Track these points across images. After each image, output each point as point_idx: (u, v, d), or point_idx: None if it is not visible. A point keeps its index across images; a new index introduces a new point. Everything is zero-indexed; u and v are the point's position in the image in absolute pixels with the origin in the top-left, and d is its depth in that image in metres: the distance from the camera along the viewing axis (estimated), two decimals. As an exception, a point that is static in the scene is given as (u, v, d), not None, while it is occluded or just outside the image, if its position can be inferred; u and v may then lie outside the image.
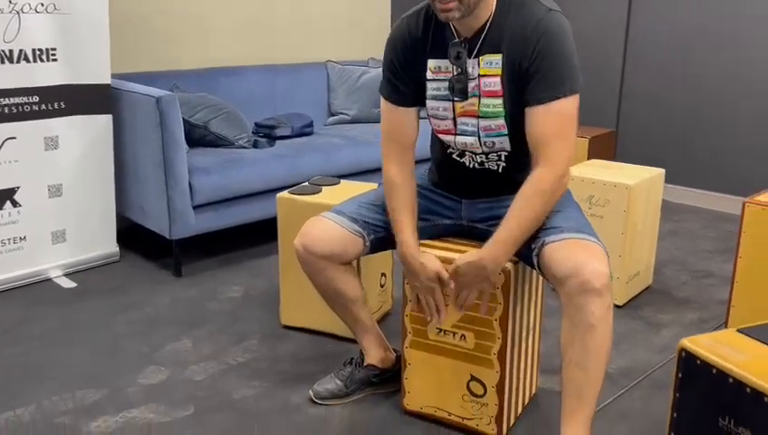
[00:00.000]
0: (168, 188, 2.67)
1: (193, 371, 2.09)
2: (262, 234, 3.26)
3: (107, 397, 1.94)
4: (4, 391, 1.96)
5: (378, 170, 3.39)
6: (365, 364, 1.93)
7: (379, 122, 1.76)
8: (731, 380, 1.16)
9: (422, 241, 1.77)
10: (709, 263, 2.99)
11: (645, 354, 2.18)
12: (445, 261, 1.67)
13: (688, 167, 3.87)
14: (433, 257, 1.64)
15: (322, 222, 1.75)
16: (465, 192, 1.74)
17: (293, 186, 2.99)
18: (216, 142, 3.11)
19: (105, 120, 2.79)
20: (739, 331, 1.29)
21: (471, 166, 1.69)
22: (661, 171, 2.61)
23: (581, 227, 1.54)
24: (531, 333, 1.84)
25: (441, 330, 1.75)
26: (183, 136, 2.68)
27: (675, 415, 1.28)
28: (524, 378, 1.85)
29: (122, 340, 2.27)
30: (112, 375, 2.05)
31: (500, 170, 1.66)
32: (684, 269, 2.91)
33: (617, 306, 2.50)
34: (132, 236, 3.14)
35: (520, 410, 1.86)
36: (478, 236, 1.73)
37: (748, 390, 1.13)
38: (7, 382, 2.00)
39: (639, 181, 2.45)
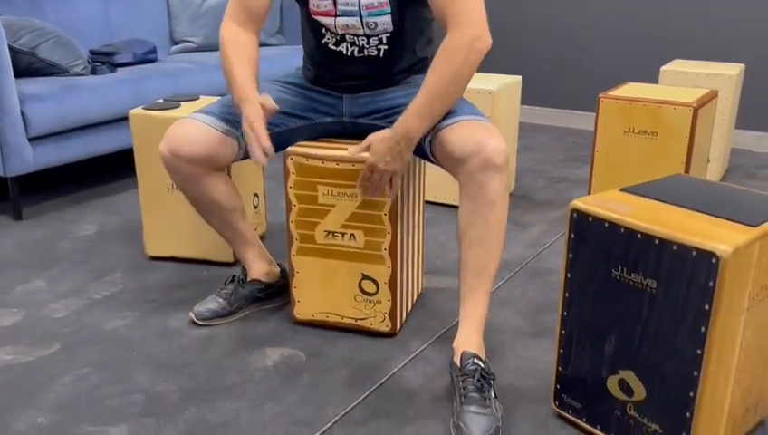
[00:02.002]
0: (-4, 119, 2.35)
1: (52, 309, 1.87)
2: (110, 169, 3.00)
3: (-50, 346, 1.69)
4: None
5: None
6: (249, 280, 1.83)
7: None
8: (622, 229, 1.22)
9: (301, 142, 1.68)
10: (562, 170, 3.16)
11: (517, 250, 2.27)
12: (329, 159, 1.60)
13: (534, 85, 4.05)
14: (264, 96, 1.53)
15: (190, 123, 1.61)
16: (345, 86, 1.66)
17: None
18: (47, 70, 2.77)
19: None
20: (622, 190, 1.35)
21: (350, 54, 1.61)
22: (518, 78, 2.69)
23: (474, 111, 1.53)
24: (416, 229, 1.84)
25: (329, 232, 1.69)
26: (9, 59, 2.35)
27: (569, 275, 1.32)
28: (413, 275, 1.85)
29: (-41, 287, 1.99)
30: (-47, 323, 1.79)
31: (381, 55, 1.60)
32: (540, 176, 3.06)
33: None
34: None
35: (410, 307, 1.86)
36: (362, 132, 1.66)
37: (639, 235, 1.19)
38: None
39: (501, 87, 2.51)
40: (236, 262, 2.14)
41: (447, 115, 1.51)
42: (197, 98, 2.21)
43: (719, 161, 2.93)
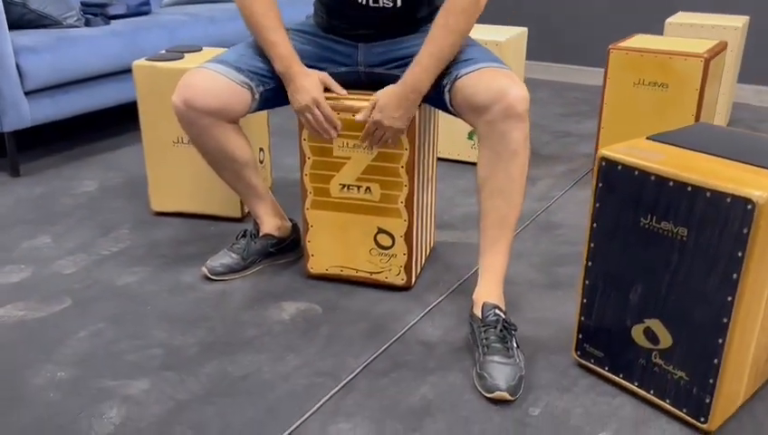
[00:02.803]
0: (-10, 72, 2.28)
1: (60, 265, 1.84)
2: (108, 125, 2.94)
3: (-41, 302, 1.66)
4: None
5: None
6: (261, 235, 1.81)
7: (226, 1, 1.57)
8: (653, 177, 1.20)
9: (315, 92, 1.64)
10: (564, 124, 3.14)
11: (526, 203, 2.23)
12: (346, 110, 1.57)
13: (531, 39, 3.99)
14: (315, 71, 1.57)
15: (204, 73, 1.56)
16: (359, 35, 1.62)
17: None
18: (39, 22, 2.68)
19: None
20: (649, 138, 1.34)
21: (364, 2, 1.56)
22: (525, 30, 2.65)
23: (493, 58, 1.50)
24: (430, 182, 1.82)
25: (344, 185, 1.66)
26: (1, 8, 2.27)
27: (595, 225, 1.31)
28: (426, 229, 1.84)
29: (-37, 244, 1.95)
30: (-40, 280, 1.76)
31: (398, 3, 1.55)
32: (544, 131, 3.04)
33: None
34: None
35: (424, 261, 1.85)
36: (377, 81, 1.63)
37: (671, 183, 1.18)
38: None
39: (508, 38, 2.46)
40: (243, 217, 2.11)
41: (467, 63, 1.48)
42: (200, 49, 2.16)
43: (722, 115, 2.92)
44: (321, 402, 1.33)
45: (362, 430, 1.26)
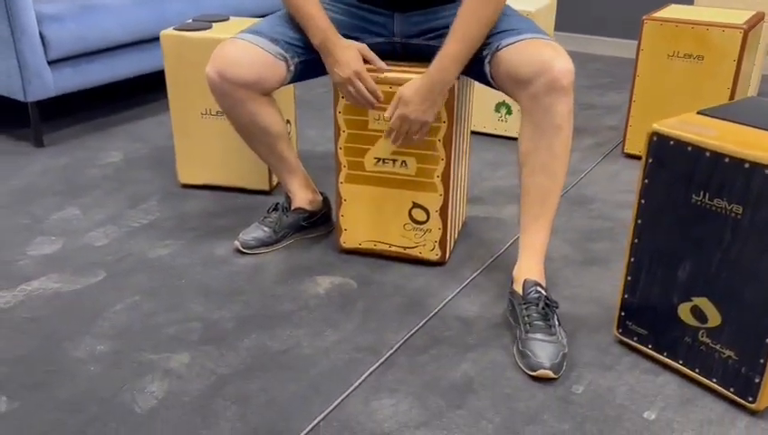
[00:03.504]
0: (15, 41, 2.24)
1: (91, 237, 1.84)
2: (128, 95, 2.91)
3: (-7, 274, 1.66)
4: None
5: (262, 17, 3.07)
6: (293, 208, 1.79)
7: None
8: (708, 153, 1.17)
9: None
10: (588, 96, 3.09)
11: (556, 177, 2.23)
12: (381, 82, 1.54)
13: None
14: (354, 42, 1.54)
15: (238, 44, 1.53)
16: (396, 3, 1.58)
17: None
18: (60, -10, 2.64)
19: None
20: (699, 113, 1.31)
21: (402, -33, 1.52)
22: (554, 0, 2.59)
23: (536, 28, 1.46)
24: (464, 156, 1.79)
25: (379, 159, 1.64)
26: (24, -25, 2.23)
27: (643, 201, 1.29)
28: (460, 203, 1.82)
29: (-8, 215, 1.95)
30: (-7, 251, 1.76)
31: (436, -30, 1.51)
32: (568, 103, 2.99)
33: (516, 139, 2.52)
34: (-31, 107, 2.67)
35: (456, 235, 1.83)
36: (414, 53, 1.60)
37: (726, 159, 1.15)
38: None
39: (539, 8, 2.41)
40: (271, 190, 2.10)
41: (508, 33, 1.44)
42: (227, 18, 2.12)
43: (752, 87, 2.86)
44: (362, 378, 1.32)
45: (405, 406, 1.26)
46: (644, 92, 2.29)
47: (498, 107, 2.52)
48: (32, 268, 1.68)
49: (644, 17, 2.23)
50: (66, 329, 1.46)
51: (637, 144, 2.34)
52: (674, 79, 2.22)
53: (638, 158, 2.44)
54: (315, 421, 1.22)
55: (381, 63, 1.54)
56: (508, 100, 2.46)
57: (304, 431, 1.20)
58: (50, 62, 2.34)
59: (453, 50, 1.41)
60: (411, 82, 1.47)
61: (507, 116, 2.52)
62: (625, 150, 2.40)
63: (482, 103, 2.49)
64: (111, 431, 1.19)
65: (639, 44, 2.25)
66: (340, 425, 1.21)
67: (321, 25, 1.49)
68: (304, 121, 2.64)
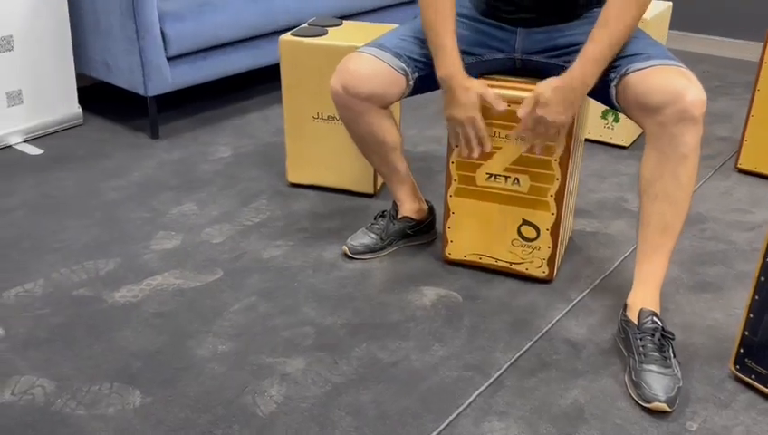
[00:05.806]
0: (138, 39, 2.36)
1: (208, 234, 1.93)
2: (236, 90, 3.01)
3: (121, 266, 1.77)
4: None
5: (367, 13, 3.12)
6: (400, 216, 1.83)
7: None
8: None
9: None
10: (698, 103, 2.97)
11: (664, 192, 2.17)
12: (509, 100, 1.53)
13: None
14: (480, 81, 1.51)
15: (364, 58, 1.56)
16: (520, 19, 1.56)
17: (269, 34, 2.73)
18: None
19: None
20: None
21: (529, -18, 1.50)
22: (670, 5, 2.50)
23: (667, 54, 1.43)
24: (577, 169, 1.78)
25: (492, 175, 1.65)
26: (149, -24, 2.34)
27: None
28: (569, 218, 1.80)
29: (117, 207, 2.07)
30: (119, 243, 1.87)
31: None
32: (676, 110, 2.88)
33: (622, 147, 2.46)
34: (93, 96, 2.83)
35: (563, 251, 1.82)
36: (534, 70, 1.59)
37: None
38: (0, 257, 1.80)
39: (654, 16, 2.34)
40: (376, 193, 2.14)
41: (638, 57, 1.41)
42: (341, 23, 2.16)
43: None
44: (472, 398, 1.35)
45: (515, 430, 1.28)
46: (765, 106, 2.19)
47: (605, 114, 2.46)
48: (155, 263, 1.79)
49: (770, 29, 2.12)
50: (189, 326, 1.55)
51: (753, 160, 2.25)
52: (799, 95, 2.11)
53: (753, 174, 2.36)
54: (427, 439, 1.25)
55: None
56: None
57: (417, 448, 1.24)
58: (169, 59, 2.45)
59: (595, 51, 1.38)
60: (547, 82, 1.43)
61: (614, 123, 2.47)
62: (738, 166, 2.31)
63: (588, 108, 2.44)
64: (236, 434, 1.26)
65: (763, 55, 2.15)
66: (452, 444, 1.24)
67: (451, 62, 1.48)
68: (405, 121, 2.67)
